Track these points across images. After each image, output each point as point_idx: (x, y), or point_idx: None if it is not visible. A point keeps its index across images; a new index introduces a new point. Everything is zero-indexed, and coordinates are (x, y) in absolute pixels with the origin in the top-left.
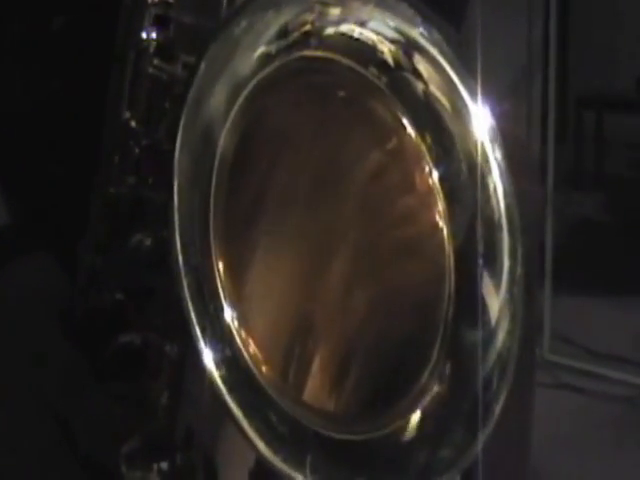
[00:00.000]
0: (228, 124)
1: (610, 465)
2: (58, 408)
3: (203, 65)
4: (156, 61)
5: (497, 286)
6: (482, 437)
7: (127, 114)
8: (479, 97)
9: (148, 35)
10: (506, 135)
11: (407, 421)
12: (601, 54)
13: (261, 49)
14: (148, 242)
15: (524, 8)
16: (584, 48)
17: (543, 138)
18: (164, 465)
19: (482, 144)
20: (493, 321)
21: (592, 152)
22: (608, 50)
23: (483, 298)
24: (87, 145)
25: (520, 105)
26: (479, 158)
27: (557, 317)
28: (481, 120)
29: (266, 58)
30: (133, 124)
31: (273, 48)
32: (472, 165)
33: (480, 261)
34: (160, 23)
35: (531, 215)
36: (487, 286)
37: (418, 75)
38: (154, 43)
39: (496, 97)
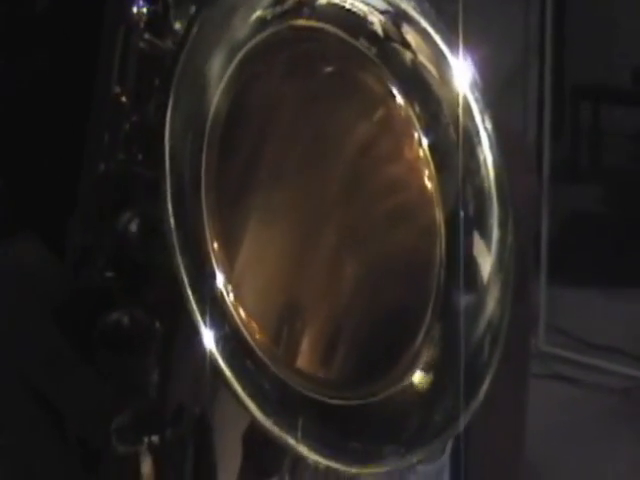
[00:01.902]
0: (221, 88)
1: (605, 456)
2: (44, 387)
3: (196, 29)
4: (147, 35)
5: (487, 251)
6: (473, 403)
7: (117, 89)
8: (460, 51)
9: (139, 9)
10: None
11: (401, 386)
12: (597, 45)
13: (257, 13)
14: (138, 219)
15: (520, 0)
16: (581, 39)
17: (539, 130)
18: (155, 439)
19: (470, 110)
20: (483, 284)
21: (588, 144)
22: (604, 41)
23: (474, 260)
24: (76, 120)
25: (516, 96)
26: (461, 110)
27: (552, 308)
28: (463, 73)
29: (261, 23)
30: (123, 99)
31: (268, 13)
32: (461, 132)
33: (469, 226)
34: None
35: (527, 206)
36: (478, 250)
37: (407, 45)
38: (145, 17)
39: (492, 88)
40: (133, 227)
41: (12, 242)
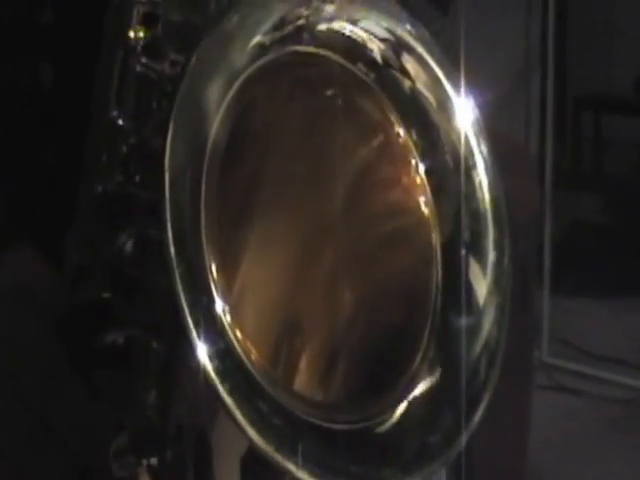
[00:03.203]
0: (220, 115)
1: (608, 467)
2: (40, 405)
3: (195, 59)
4: (144, 59)
5: (483, 275)
6: (471, 425)
7: (115, 112)
8: (462, 90)
9: (136, 33)
10: (499, 136)
11: (398, 409)
12: (599, 55)
13: (257, 39)
14: (135, 239)
15: (522, 8)
16: (582, 48)
17: (542, 139)
18: (154, 461)
19: (467, 137)
20: (479, 308)
21: (590, 153)
22: (606, 50)
23: (470, 285)
24: (74, 141)
25: (519, 106)
26: (462, 149)
27: (555, 319)
28: (465, 112)
29: (260, 49)
30: (120, 122)
31: (268, 39)
32: (457, 158)
33: (465, 250)
34: (148, 21)
35: (529, 216)
36: (473, 274)
37: (405, 73)
38: (142, 41)
39: (494, 97)
40: (131, 247)
41: (9, 255)
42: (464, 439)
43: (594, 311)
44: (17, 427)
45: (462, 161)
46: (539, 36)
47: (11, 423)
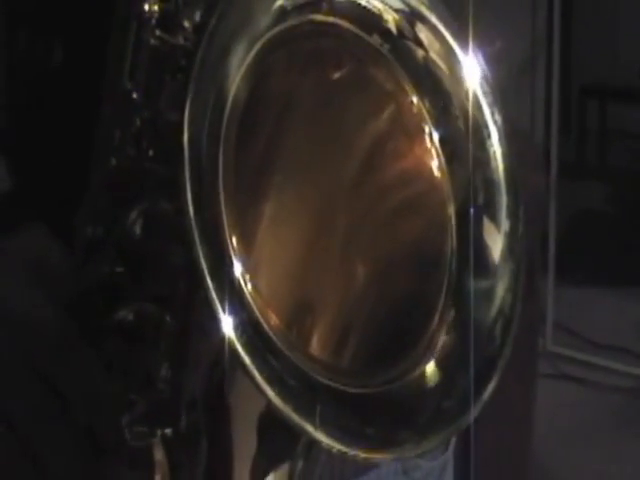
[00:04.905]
0: (239, 77)
1: (611, 455)
2: (53, 376)
3: (215, 19)
4: (158, 32)
5: (497, 237)
6: (485, 392)
7: (128, 85)
8: (470, 47)
9: (150, 6)
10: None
11: (416, 373)
12: (605, 44)
13: (279, 2)
14: (149, 213)
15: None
16: (588, 38)
17: (547, 128)
18: (168, 431)
19: (476, 95)
20: (494, 273)
21: (596, 142)
22: (612, 40)
23: (484, 246)
24: (87, 116)
25: (524, 95)
26: (471, 107)
27: (560, 308)
28: (473, 68)
29: (281, 12)
30: (134, 95)
31: (289, 3)
32: (469, 124)
33: (477, 212)
34: None
35: (534, 205)
36: (488, 237)
37: (419, 43)
38: (156, 14)
39: (500, 86)
40: (144, 221)
41: (22, 233)
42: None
43: (598, 300)
44: (28, 398)
45: (471, 125)
46: (545, 25)
47: (22, 394)
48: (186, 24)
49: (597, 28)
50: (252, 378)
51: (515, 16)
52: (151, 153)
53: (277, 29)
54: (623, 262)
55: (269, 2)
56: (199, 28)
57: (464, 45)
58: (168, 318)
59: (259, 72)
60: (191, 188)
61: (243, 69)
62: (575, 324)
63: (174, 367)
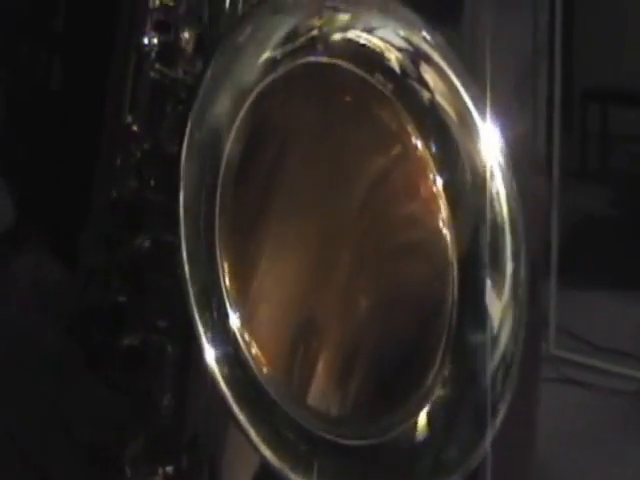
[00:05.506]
0: (233, 131)
1: (615, 459)
2: (55, 402)
3: (209, 74)
4: (157, 65)
5: (500, 289)
6: (489, 437)
7: (129, 118)
8: (487, 114)
9: (150, 40)
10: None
11: (412, 424)
12: (606, 48)
13: (266, 54)
14: (150, 243)
15: (530, 1)
16: (589, 42)
17: (549, 132)
18: (169, 469)
19: (486, 155)
20: (496, 324)
21: (597, 146)
22: (613, 44)
23: (486, 302)
24: (90, 143)
25: (526, 99)
26: (487, 172)
27: (562, 312)
28: (490, 137)
29: (271, 63)
30: (135, 128)
31: (278, 53)
32: (476, 172)
33: (480, 258)
34: (161, 28)
35: (536, 209)
36: (490, 290)
37: (424, 84)
38: (155, 48)
39: (501, 92)
40: (146, 251)
41: (25, 256)
42: (488, 453)
43: (601, 304)
44: (32, 422)
45: (482, 177)
46: (546, 29)
47: (26, 417)
48: (186, 57)
49: (599, 33)
50: (247, 437)
51: (516, 21)
52: (152, 183)
53: (268, 79)
54: (626, 265)
55: (255, 56)
56: (195, 76)
57: (470, 86)
58: (169, 348)
59: (255, 121)
60: (186, 237)
61: (237, 122)
62: (578, 328)
63: (176, 399)
